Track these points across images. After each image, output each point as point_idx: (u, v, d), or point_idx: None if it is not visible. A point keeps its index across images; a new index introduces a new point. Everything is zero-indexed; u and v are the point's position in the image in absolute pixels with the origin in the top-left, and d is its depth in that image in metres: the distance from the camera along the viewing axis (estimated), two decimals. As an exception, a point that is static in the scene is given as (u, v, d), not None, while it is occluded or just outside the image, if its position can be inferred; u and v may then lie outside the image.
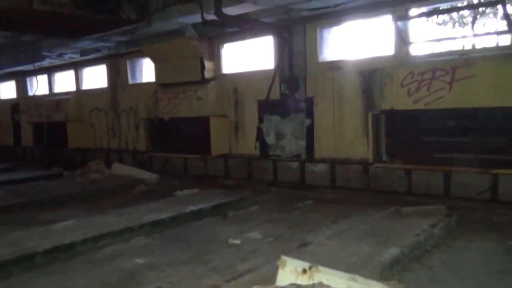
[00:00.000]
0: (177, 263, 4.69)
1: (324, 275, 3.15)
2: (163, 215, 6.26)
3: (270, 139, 9.16)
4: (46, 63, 13.02)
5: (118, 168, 10.50)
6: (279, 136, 9.00)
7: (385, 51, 7.68)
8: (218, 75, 10.14)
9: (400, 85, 7.12)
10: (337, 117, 8.32)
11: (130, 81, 12.33)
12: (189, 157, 10.67)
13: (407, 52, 7.39)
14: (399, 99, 7.13)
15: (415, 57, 7.33)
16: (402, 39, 7.32)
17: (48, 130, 14.46)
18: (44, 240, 5.19)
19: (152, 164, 11.50)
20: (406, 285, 3.67)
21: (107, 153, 12.85)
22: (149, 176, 9.84)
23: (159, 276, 4.34)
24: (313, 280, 3.11)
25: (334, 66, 8.31)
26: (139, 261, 4.83)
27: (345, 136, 8.22)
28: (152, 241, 5.56)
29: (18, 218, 7.10)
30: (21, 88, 16.15)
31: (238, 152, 9.93)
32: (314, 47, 8.56)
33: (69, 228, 5.75)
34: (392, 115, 7.34)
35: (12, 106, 16.38)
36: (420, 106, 6.90)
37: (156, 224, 6.01)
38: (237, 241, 5.29)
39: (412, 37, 7.42)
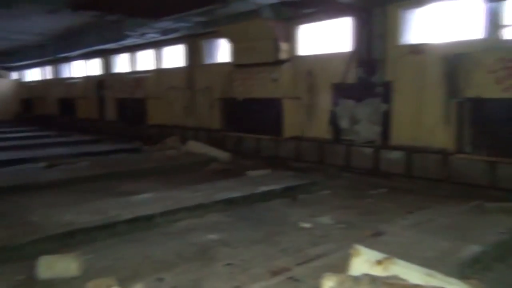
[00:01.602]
0: (248, 241, 4.80)
1: (399, 268, 3.06)
2: (235, 194, 6.41)
3: (344, 124, 8.97)
4: (129, 42, 13.65)
5: (193, 146, 10.86)
6: (354, 120, 8.78)
7: (473, 34, 7.15)
8: (293, 57, 10.05)
9: (489, 71, 6.62)
10: (417, 103, 7.94)
11: (206, 61, 12.61)
12: (261, 137, 10.76)
13: (498, 36, 6.83)
14: (487, 87, 6.65)
15: (507, 41, 6.76)
16: (494, 21, 6.77)
17: (129, 106, 15.29)
18: (125, 210, 5.54)
19: (225, 143, 11.75)
20: (488, 285, 3.47)
21: (183, 130, 13.32)
22: (222, 155, 10.08)
23: (231, 253, 4.47)
24: (387, 272, 3.03)
25: (416, 50, 7.90)
26: (212, 236, 5.00)
27: (424, 123, 7.84)
28: (224, 219, 5.72)
29: (102, 187, 7.61)
30: (106, 66, 17.11)
31: (310, 135, 9.85)
32: (395, 29, 8.18)
33: (148, 201, 6.07)
34: (478, 103, 6.86)
35: (98, 82, 17.43)
36: (510, 94, 6.39)
37: (229, 202, 6.17)
38: (308, 225, 5.29)
39: (505, 19, 6.83)
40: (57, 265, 3.85)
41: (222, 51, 12.33)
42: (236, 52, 10.98)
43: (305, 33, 9.97)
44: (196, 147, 10.80)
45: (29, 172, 8.61)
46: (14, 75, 26.16)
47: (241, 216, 5.82)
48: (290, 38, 10.06)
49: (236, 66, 11.01)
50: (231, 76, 11.17)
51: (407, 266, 3.10)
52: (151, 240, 4.92)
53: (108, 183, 7.91)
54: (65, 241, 4.72)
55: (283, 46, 9.99)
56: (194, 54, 12.89)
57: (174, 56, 14.00)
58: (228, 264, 4.16)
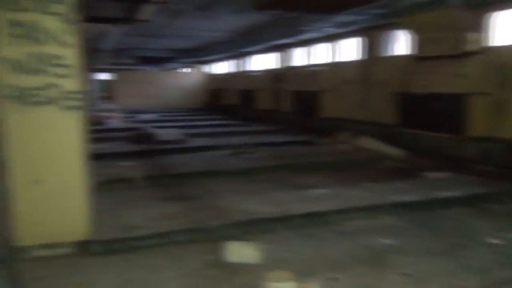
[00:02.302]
0: (425, 252, 4.56)
1: None
2: (411, 197, 6.13)
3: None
4: (305, 36, 14.06)
5: (366, 141, 10.71)
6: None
7: None
8: (483, 48, 9.03)
9: None
10: None
11: (383, 54, 12.21)
12: (440, 136, 10.00)
13: None
14: None
15: None
16: None
17: (304, 98, 15.81)
18: (301, 204, 5.79)
19: (399, 140, 11.27)
20: None
21: (354, 124, 13.22)
22: (396, 153, 9.70)
23: (406, 262, 4.31)
24: None
25: None
26: (385, 241, 4.89)
27: None
28: (398, 223, 5.53)
29: (279, 178, 8.09)
30: (283, 59, 17.95)
31: (501, 135, 8.77)
32: None
33: (322, 196, 6.24)
34: None
35: (276, 75, 18.43)
36: None
37: (404, 206, 5.93)
38: (497, 241, 4.77)
39: None
40: (242, 251, 4.27)
41: (400, 43, 11.78)
42: (417, 44, 10.36)
43: (499, 22, 8.84)
44: (369, 142, 10.61)
45: (217, 159, 9.65)
46: (204, 68, 29.43)
47: (417, 222, 5.54)
48: (479, 27, 9.07)
49: (415, 58, 10.40)
50: (409, 69, 10.62)
51: None
52: (325, 237, 5.05)
53: (285, 175, 8.35)
54: (247, 228, 5.18)
55: (471, 37, 9.06)
56: (370, 47, 12.61)
57: (350, 49, 13.92)
58: (404, 274, 4.03)
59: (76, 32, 4.40)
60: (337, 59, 14.53)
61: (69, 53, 4.39)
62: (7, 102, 4.28)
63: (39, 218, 4.51)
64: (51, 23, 4.30)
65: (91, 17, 11.39)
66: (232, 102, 23.60)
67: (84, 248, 4.63)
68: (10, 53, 4.22)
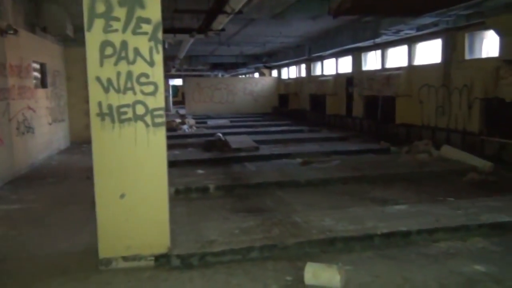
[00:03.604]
0: (528, 283, 4.11)
1: None
2: (505, 217, 5.58)
3: None
4: (380, 39, 13.53)
5: (448, 151, 10.04)
6: None
7: None
8: None
9: None
10: None
11: (467, 57, 11.41)
12: (534, 146, 9.16)
13: None
14: None
15: None
16: None
17: (377, 103, 15.25)
18: (381, 222, 5.48)
19: (483, 149, 10.47)
20: None
21: (433, 132, 12.51)
22: (482, 164, 8.98)
23: (505, 294, 3.91)
24: None
25: None
26: (478, 267, 4.47)
27: None
28: (491, 246, 5.05)
29: (353, 190, 7.80)
30: (356, 63, 17.45)
31: None
32: None
33: (403, 214, 5.87)
34: None
35: (347, 80, 17.97)
36: None
37: (496, 227, 5.42)
38: None
39: None
40: (322, 275, 4.09)
41: (486, 45, 10.95)
42: (506, 45, 9.56)
43: None
44: (451, 152, 9.94)
45: (288, 169, 9.52)
46: (274, 73, 29.48)
47: (513, 246, 5.04)
48: None
49: (505, 61, 9.60)
50: (498, 73, 9.83)
51: None
52: (408, 260, 4.73)
53: (359, 187, 8.04)
54: (325, 247, 4.99)
55: None
56: (451, 49, 11.85)
57: (428, 52, 13.19)
58: (503, 309, 3.64)
59: (161, 50, 4.49)
60: (414, 63, 13.82)
61: (155, 71, 4.49)
62: (98, 120, 4.45)
63: (121, 231, 4.64)
64: (139, 43, 4.41)
65: (169, 28, 11.78)
66: (301, 107, 23.40)
67: (164, 261, 4.70)
68: (102, 73, 4.39)
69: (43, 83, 11.91)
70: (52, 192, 8.09)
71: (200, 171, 9.34)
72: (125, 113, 4.50)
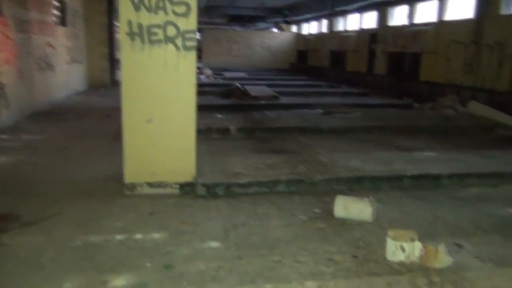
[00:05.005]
0: None
1: None
2: (538, 168, 5.41)
3: None
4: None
5: (475, 107, 9.75)
6: None
7: None
8: None
9: None
10: None
11: (503, 12, 10.88)
12: None
13: None
14: None
15: None
16: None
17: (401, 60, 14.80)
18: (409, 165, 5.35)
19: (510, 108, 10.15)
20: None
21: (458, 90, 12.12)
22: (510, 121, 8.71)
23: (541, 236, 3.78)
24: None
25: None
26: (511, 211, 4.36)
27: None
28: (524, 194, 4.91)
29: (377, 139, 7.63)
30: (382, 18, 16.83)
31: None
32: None
33: (432, 160, 5.73)
34: None
35: (371, 36, 17.41)
36: None
37: (529, 176, 5.26)
38: None
39: None
40: (352, 207, 3.99)
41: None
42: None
43: None
44: (478, 109, 9.65)
45: (310, 117, 9.34)
46: (293, 29, 28.75)
47: (548, 195, 4.88)
48: None
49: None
50: (535, 29, 9.38)
51: None
52: (438, 201, 4.62)
53: (383, 136, 7.87)
54: (353, 185, 4.89)
55: None
56: (487, 3, 11.28)
57: (460, 7, 12.61)
58: (541, 248, 3.53)
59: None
60: (445, 18, 13.24)
61: (187, -9, 4.26)
62: (128, 40, 4.28)
63: (147, 157, 4.57)
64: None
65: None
66: (320, 64, 22.89)
67: (189, 190, 4.64)
68: (132, -10, 4.19)
69: (63, 22, 11.68)
70: (73, 126, 8.06)
71: (219, 116, 9.20)
72: (156, 33, 4.33)
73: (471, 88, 11.64)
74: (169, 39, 4.36)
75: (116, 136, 7.24)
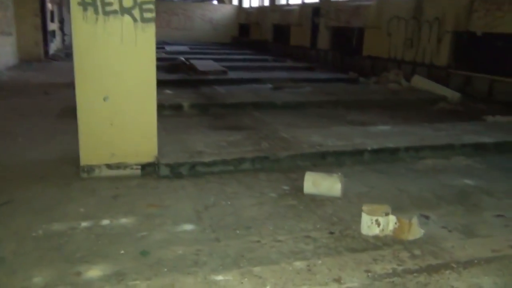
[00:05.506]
0: (512, 194, 4.26)
1: None
2: (486, 139, 5.73)
3: None
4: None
5: (418, 81, 10.14)
6: None
7: None
8: None
9: None
10: None
11: (441, -12, 11.29)
12: (498, 79, 9.40)
13: None
14: None
15: None
16: None
17: (344, 35, 15.02)
18: (368, 139, 5.45)
19: (449, 82, 10.68)
20: None
21: (399, 65, 12.54)
22: (451, 94, 9.16)
23: (497, 204, 4.01)
24: None
25: None
26: (467, 181, 4.58)
27: None
28: (475, 164, 5.18)
29: (330, 114, 7.73)
30: (324, -7, 16.90)
31: None
32: None
33: (387, 133, 5.88)
34: None
35: (313, 10, 17.45)
36: None
37: (478, 147, 5.55)
38: None
39: None
40: (322, 183, 4.00)
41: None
42: (484, -23, 9.48)
43: None
44: (421, 83, 10.05)
45: (261, 92, 9.25)
46: (234, 1, 28.21)
47: (495, 164, 5.19)
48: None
49: (480, -6, 9.57)
50: (472, 6, 9.82)
51: None
52: (399, 174, 4.76)
53: (335, 111, 7.98)
54: (317, 161, 4.91)
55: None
56: (428, -21, 11.63)
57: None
58: (499, 216, 3.74)
59: None
60: (385, -6, 13.54)
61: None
62: (80, 10, 3.91)
63: (105, 137, 4.28)
64: None
65: None
66: (263, 38, 22.72)
67: (151, 171, 4.44)
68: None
69: (-14, -12, 10.62)
70: (10, 105, 7.42)
71: (168, 91, 8.88)
72: (111, 4, 4.00)
73: (412, 62, 12.08)
74: (125, 10, 4.05)
75: (60, 115, 6.79)
